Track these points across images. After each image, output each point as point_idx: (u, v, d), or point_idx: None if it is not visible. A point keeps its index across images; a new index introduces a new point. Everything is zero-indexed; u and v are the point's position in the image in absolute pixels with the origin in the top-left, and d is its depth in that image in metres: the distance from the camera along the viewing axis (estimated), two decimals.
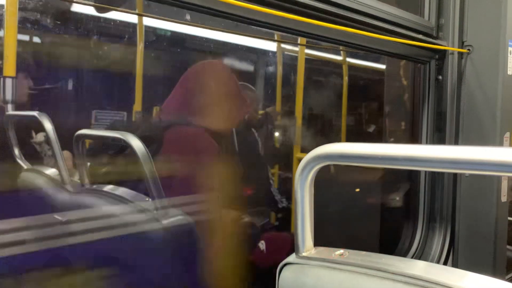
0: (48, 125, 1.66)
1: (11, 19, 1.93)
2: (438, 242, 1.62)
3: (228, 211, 1.92)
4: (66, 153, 1.78)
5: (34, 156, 1.98)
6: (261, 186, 2.56)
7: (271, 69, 3.75)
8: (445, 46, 1.64)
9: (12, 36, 1.97)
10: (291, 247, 1.89)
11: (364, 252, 0.78)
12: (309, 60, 3.39)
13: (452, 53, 1.68)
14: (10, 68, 1.96)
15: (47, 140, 1.73)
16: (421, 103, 1.72)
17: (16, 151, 1.98)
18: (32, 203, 1.81)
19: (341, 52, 3.93)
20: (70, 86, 3.21)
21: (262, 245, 1.86)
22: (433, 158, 0.64)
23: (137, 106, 3.03)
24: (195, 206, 1.60)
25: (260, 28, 1.27)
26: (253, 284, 1.72)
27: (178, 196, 1.62)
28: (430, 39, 1.62)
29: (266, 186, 2.62)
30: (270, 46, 3.56)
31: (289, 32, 1.29)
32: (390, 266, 0.72)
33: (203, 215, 1.63)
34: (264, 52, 3.86)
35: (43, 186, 1.76)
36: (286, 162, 3.27)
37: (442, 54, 1.68)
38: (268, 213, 2.80)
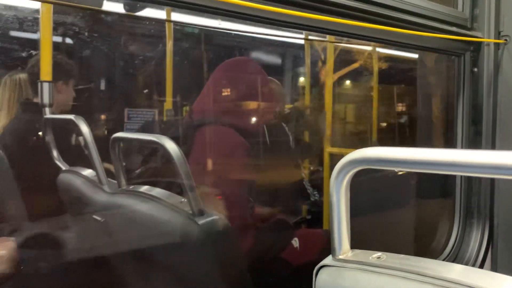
0: (84, 128, 1.72)
1: (47, 24, 2.00)
2: (476, 241, 1.57)
3: (261, 208, 1.93)
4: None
5: (72, 157, 2.06)
6: (293, 181, 2.56)
7: (299, 63, 3.73)
8: (480, 37, 1.59)
9: (47, 41, 2.04)
10: (325, 244, 1.89)
11: (402, 256, 0.77)
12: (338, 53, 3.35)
13: (488, 45, 1.63)
14: (46, 72, 2.03)
15: (84, 142, 1.79)
16: (456, 96, 1.68)
17: (55, 153, 2.05)
18: (71, 202, 1.88)
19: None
20: (102, 86, 3.29)
21: (295, 242, 1.87)
22: (474, 164, 0.63)
23: (168, 105, 3.07)
24: (228, 206, 1.62)
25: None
26: (288, 282, 1.73)
27: (212, 195, 1.65)
28: (464, 31, 1.57)
29: (298, 180, 2.63)
30: (298, 40, 3.54)
31: (318, 31, 1.28)
32: (429, 269, 0.72)
33: (238, 214, 1.65)
34: (292, 46, 3.84)
35: (81, 187, 1.82)
36: (317, 156, 3.26)
37: (477, 45, 1.63)
38: (301, 209, 2.81)
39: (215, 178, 1.76)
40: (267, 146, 2.10)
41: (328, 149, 3.02)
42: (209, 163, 1.77)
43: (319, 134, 3.27)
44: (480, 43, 1.62)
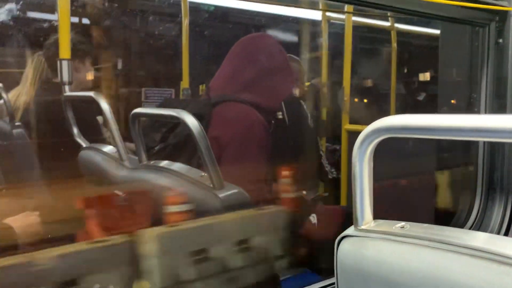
0: (104, 105, 1.73)
1: (64, 4, 2.01)
2: (498, 214, 1.55)
3: (278, 185, 1.93)
4: None
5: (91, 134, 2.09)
6: (311, 159, 2.56)
7: (316, 39, 3.68)
8: (507, 6, 1.54)
9: (65, 20, 2.05)
10: (343, 220, 1.88)
11: (425, 225, 0.77)
12: (356, 28, 3.29)
13: None
14: (65, 50, 2.05)
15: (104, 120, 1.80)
16: (480, 68, 1.63)
17: (75, 130, 2.08)
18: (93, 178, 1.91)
19: (389, 17, 3.78)
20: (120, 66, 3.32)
21: (313, 218, 1.87)
22: (502, 129, 0.62)
23: (185, 83, 3.07)
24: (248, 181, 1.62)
25: None
26: (306, 257, 1.74)
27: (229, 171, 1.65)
28: (490, 0, 1.52)
29: (316, 158, 2.62)
30: (314, 15, 3.48)
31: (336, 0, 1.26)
32: (453, 238, 0.71)
33: (257, 190, 1.65)
34: (309, 22, 3.79)
35: (102, 163, 1.85)
36: (334, 134, 3.24)
37: (504, 15, 1.57)
38: (318, 186, 2.81)
39: (233, 156, 1.76)
40: (285, 124, 2.09)
41: (346, 126, 2.99)
42: (227, 142, 1.76)
43: (337, 111, 3.24)
44: (506, 12, 1.56)
